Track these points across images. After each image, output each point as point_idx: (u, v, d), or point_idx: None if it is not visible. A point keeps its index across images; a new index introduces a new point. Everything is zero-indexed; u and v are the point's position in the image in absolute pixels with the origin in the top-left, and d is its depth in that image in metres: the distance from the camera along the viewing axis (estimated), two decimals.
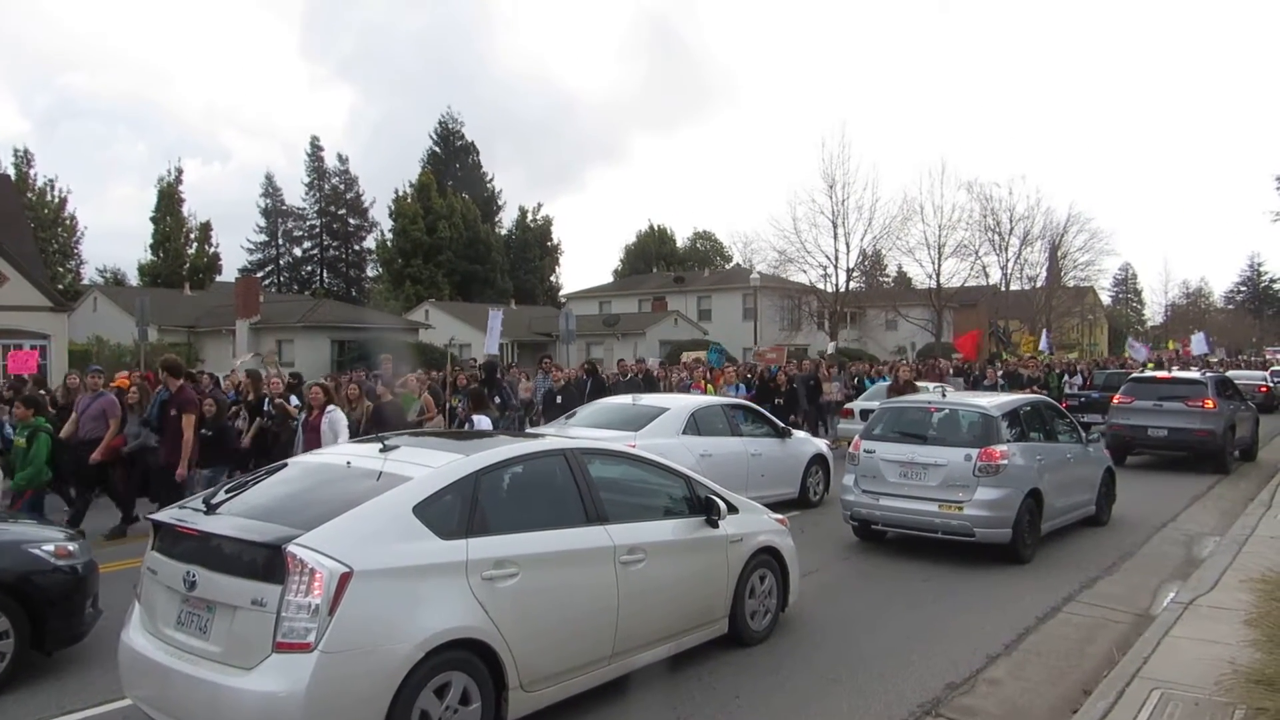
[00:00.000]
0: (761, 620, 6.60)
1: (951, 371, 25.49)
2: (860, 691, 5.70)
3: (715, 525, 6.19)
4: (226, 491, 5.17)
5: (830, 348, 30.55)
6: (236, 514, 4.74)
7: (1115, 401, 17.63)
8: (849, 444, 10.79)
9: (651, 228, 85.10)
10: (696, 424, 10.93)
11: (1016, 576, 8.66)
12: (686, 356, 28.21)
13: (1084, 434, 11.38)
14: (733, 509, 6.44)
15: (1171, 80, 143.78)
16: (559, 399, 13.41)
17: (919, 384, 16.31)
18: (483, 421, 10.35)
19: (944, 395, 11.12)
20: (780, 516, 7.20)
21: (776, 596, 6.76)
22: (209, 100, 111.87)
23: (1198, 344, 40.89)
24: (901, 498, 9.42)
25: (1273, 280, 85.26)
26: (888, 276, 49.95)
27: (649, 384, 16.88)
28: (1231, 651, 5.65)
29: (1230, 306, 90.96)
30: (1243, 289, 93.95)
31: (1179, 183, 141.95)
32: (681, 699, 5.53)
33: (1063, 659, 6.38)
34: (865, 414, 15.10)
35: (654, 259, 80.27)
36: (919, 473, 9.35)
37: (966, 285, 44.76)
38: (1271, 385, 32.51)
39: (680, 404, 11.38)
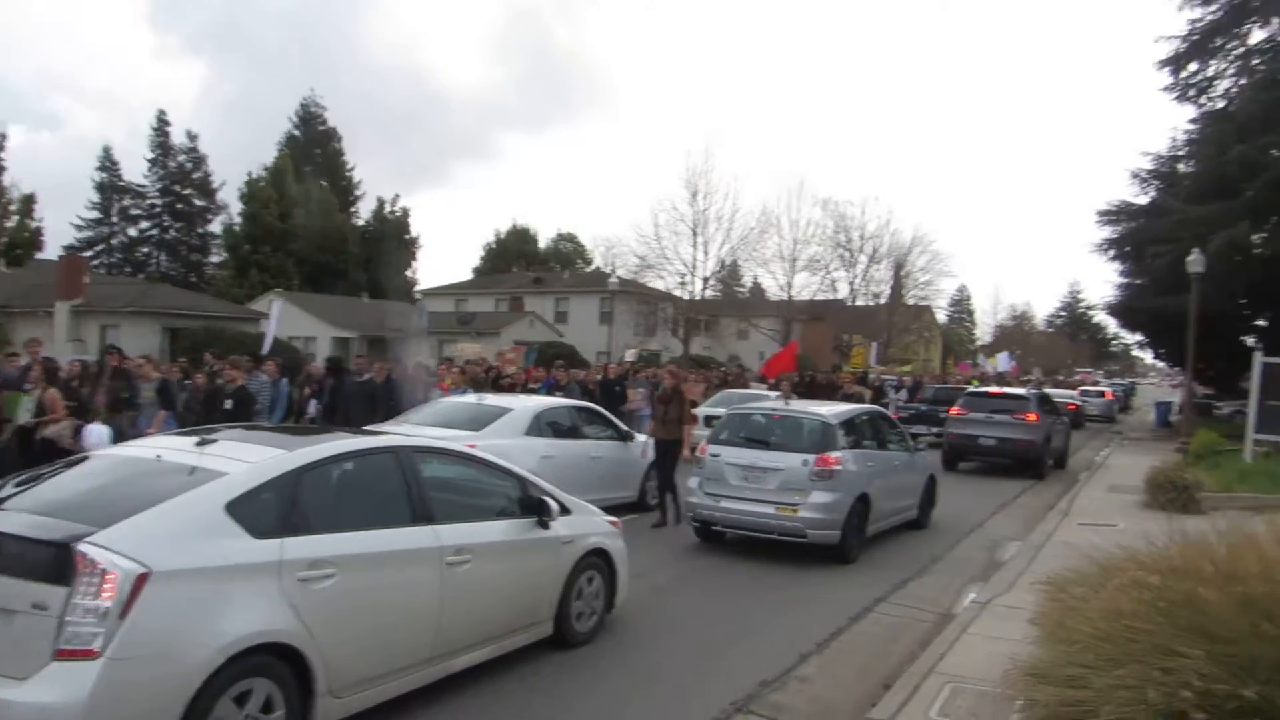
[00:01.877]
0: (587, 621, 6.66)
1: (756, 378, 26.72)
2: (678, 690, 5.85)
3: (546, 526, 6.20)
4: (16, 485, 4.81)
5: (629, 355, 30.09)
6: (26, 509, 4.42)
7: (952, 413, 18.92)
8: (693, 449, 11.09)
9: (515, 227, 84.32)
10: (540, 425, 10.94)
11: (839, 577, 9.10)
12: (459, 354, 27.15)
13: (912, 443, 12.12)
14: (565, 510, 6.48)
15: (1014, 113, 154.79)
16: (228, 404, 10.89)
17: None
18: (99, 432, 9.94)
19: (787, 404, 11.59)
20: (614, 519, 7.31)
21: (604, 598, 6.85)
22: (40, 62, 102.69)
23: (1003, 361, 45.58)
24: (742, 500, 9.74)
25: (1089, 307, 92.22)
26: (743, 287, 51.39)
27: (388, 389, 13.29)
28: (1016, 647, 6.11)
29: (1050, 329, 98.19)
30: (1063, 314, 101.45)
31: (1014, 212, 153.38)
32: (501, 700, 5.52)
33: (870, 656, 6.76)
34: (710, 420, 15.48)
35: (516, 258, 79.44)
36: (759, 476, 9.69)
37: (816, 299, 46.62)
38: (1080, 403, 35.84)
39: (525, 405, 11.36)
